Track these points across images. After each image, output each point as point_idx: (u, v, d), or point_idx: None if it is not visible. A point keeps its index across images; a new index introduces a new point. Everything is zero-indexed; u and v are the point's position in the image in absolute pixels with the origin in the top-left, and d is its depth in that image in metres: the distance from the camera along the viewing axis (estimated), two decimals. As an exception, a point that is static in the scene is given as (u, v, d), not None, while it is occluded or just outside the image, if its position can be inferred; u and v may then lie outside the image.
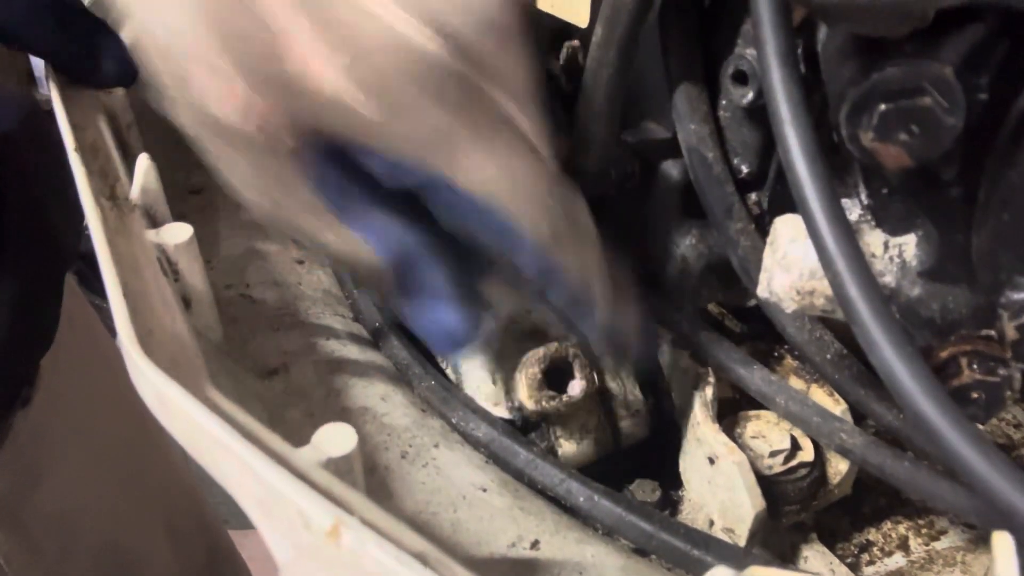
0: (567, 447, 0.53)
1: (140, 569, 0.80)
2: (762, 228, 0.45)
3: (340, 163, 0.38)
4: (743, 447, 0.48)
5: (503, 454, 0.50)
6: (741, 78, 0.43)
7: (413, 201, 0.39)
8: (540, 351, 0.51)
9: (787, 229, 0.39)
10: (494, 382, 0.52)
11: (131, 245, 0.44)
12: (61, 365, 0.69)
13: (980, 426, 0.37)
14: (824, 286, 0.38)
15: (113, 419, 0.78)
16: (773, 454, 0.50)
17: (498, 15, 0.36)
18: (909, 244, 0.40)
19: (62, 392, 0.69)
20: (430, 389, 0.55)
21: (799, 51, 0.40)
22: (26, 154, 0.57)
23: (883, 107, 0.34)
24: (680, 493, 0.53)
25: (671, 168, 0.49)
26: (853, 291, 0.32)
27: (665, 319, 0.55)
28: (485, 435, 0.51)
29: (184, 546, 0.87)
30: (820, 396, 0.51)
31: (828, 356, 0.46)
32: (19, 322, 0.58)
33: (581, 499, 0.47)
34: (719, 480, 0.48)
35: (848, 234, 0.33)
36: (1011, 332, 0.36)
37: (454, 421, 0.52)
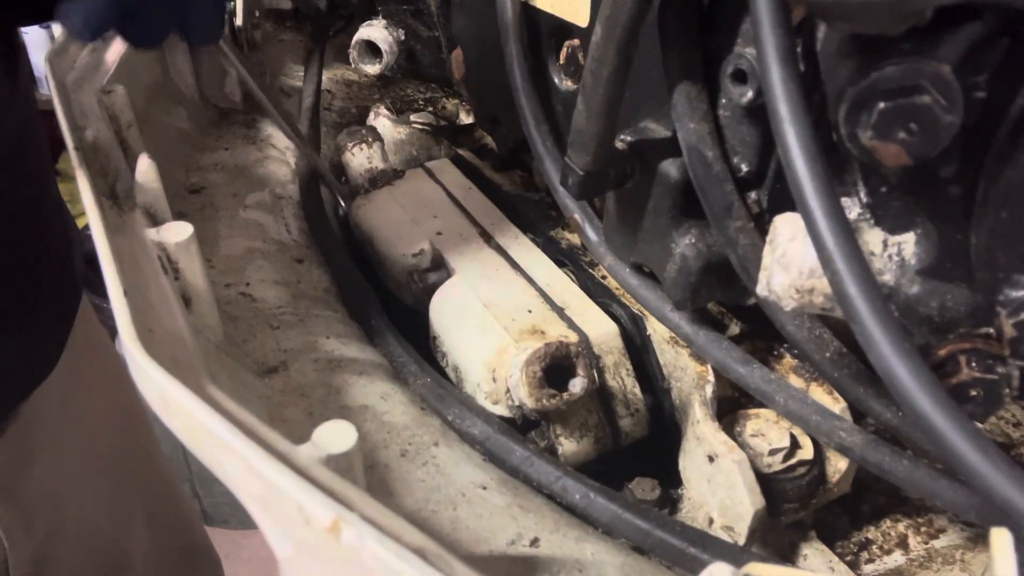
0: (567, 445, 0.54)
1: (121, 557, 0.82)
2: (761, 227, 0.45)
3: None
4: (742, 445, 0.49)
5: (499, 451, 0.50)
6: (740, 77, 0.43)
7: None
8: (541, 349, 0.51)
9: (786, 227, 0.39)
10: (494, 380, 0.53)
11: (131, 244, 0.44)
12: (62, 356, 0.71)
13: (979, 424, 0.37)
14: (823, 284, 0.38)
15: (102, 411, 0.81)
16: (772, 452, 0.50)
17: None
18: (908, 242, 0.40)
19: (59, 380, 0.71)
20: (426, 387, 0.55)
21: (798, 50, 0.40)
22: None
23: (882, 105, 0.34)
24: (680, 491, 0.53)
25: (670, 167, 0.49)
26: (852, 289, 0.32)
27: (665, 318, 0.55)
28: (481, 433, 0.51)
29: (162, 537, 0.89)
30: (819, 394, 0.51)
31: (827, 354, 0.46)
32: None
33: (577, 496, 0.47)
34: (718, 478, 0.48)
35: (847, 232, 0.33)
36: (1009, 330, 0.36)
37: (450, 419, 0.52)
